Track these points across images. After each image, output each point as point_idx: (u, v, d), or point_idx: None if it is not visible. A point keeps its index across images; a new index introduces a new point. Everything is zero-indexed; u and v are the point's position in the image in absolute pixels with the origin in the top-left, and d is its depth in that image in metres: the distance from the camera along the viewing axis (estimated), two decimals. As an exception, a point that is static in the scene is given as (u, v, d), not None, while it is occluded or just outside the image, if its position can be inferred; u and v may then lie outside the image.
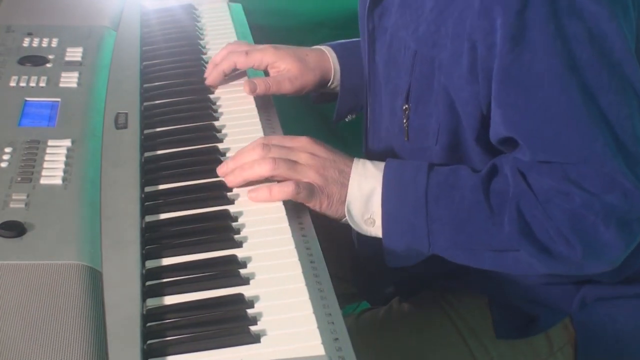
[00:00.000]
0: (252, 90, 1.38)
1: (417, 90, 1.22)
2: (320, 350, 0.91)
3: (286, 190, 1.15)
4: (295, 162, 1.18)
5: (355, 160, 1.20)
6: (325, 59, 1.45)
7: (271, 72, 1.43)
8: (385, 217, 1.17)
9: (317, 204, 1.18)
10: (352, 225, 1.20)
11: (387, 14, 1.28)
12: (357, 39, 1.48)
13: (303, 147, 1.21)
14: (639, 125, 1.11)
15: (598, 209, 1.10)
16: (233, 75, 1.47)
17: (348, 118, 1.53)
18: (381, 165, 1.19)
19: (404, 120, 1.25)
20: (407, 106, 1.24)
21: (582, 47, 1.08)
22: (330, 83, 1.46)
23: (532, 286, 1.29)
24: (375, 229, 1.19)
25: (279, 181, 1.18)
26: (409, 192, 1.16)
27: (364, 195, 1.18)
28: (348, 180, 1.18)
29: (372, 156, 1.26)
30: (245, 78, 1.46)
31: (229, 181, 1.18)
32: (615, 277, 1.26)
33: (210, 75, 1.43)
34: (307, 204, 1.18)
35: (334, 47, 1.47)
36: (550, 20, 1.07)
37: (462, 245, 1.16)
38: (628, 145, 1.10)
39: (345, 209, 1.19)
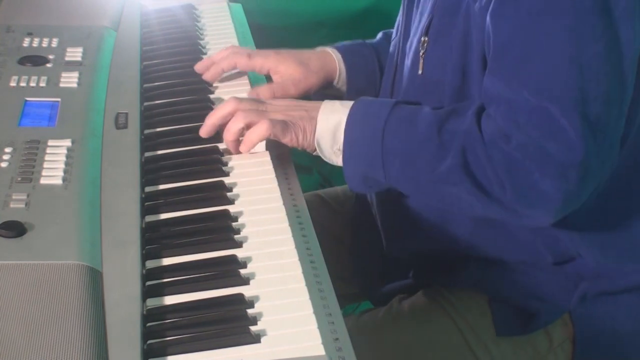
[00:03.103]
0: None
1: (438, 23, 1.25)
2: (320, 350, 0.91)
3: (260, 128, 1.22)
4: (264, 110, 1.26)
5: (326, 101, 1.25)
6: (330, 60, 1.45)
7: (274, 77, 1.43)
8: (346, 145, 1.21)
9: (294, 138, 1.24)
10: (323, 157, 1.25)
11: None
12: (359, 41, 1.49)
13: (271, 100, 1.30)
14: (612, 87, 1.10)
15: (534, 154, 1.10)
16: (233, 75, 1.47)
17: None
18: (350, 103, 1.24)
19: (421, 53, 1.27)
20: (425, 39, 1.27)
21: None
22: (335, 82, 1.46)
23: (532, 282, 1.29)
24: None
25: None
26: (370, 124, 1.20)
27: (331, 126, 1.23)
28: (317, 115, 1.23)
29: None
30: (246, 78, 1.46)
31: (202, 131, 1.27)
32: (616, 272, 1.26)
33: (209, 71, 1.44)
34: (283, 140, 1.24)
35: (338, 49, 1.47)
36: None
37: (411, 178, 1.19)
38: (592, 103, 1.09)
39: (315, 142, 1.23)
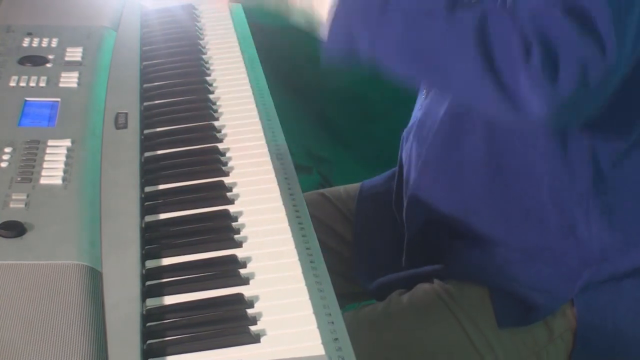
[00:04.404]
0: None
1: None
2: (320, 350, 0.91)
3: None
4: None
5: None
6: None
7: None
8: None
9: None
10: None
11: None
12: None
13: None
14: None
15: (566, 37, 1.03)
16: (233, 74, 1.47)
17: None
18: None
19: None
20: None
21: None
22: None
23: (533, 274, 1.29)
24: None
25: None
26: None
27: None
28: None
29: None
30: (246, 78, 1.46)
31: None
32: (619, 255, 1.28)
33: None
34: None
35: None
36: None
37: (414, 37, 1.09)
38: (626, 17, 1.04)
39: None
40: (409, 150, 1.43)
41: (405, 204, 1.42)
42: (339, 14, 1.12)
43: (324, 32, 1.14)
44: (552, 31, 1.04)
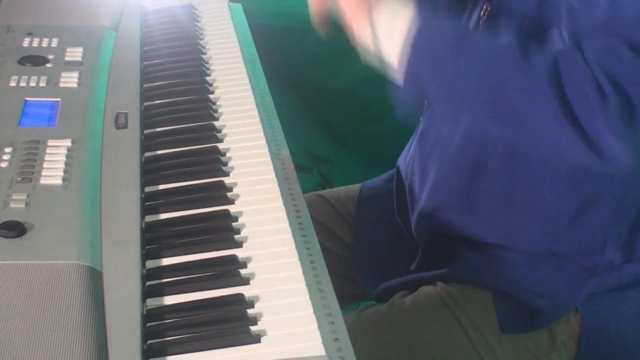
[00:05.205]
0: None
1: None
2: (321, 350, 0.91)
3: None
4: None
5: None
6: None
7: None
8: (415, 23, 1.09)
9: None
10: (373, 39, 1.13)
11: None
12: None
13: None
14: None
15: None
16: (233, 74, 1.47)
17: None
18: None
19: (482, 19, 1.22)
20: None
21: None
22: None
23: (537, 278, 1.29)
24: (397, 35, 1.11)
25: None
26: (447, 23, 1.12)
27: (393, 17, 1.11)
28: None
29: None
30: (246, 78, 1.46)
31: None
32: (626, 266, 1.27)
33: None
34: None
35: None
36: None
37: (488, 85, 1.07)
38: None
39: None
40: (411, 158, 1.42)
41: (413, 219, 1.41)
42: (411, 61, 1.09)
43: (395, 77, 1.12)
44: (622, 72, 1.02)
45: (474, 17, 1.26)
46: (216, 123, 1.33)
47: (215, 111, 1.37)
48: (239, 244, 1.08)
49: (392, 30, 1.10)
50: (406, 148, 1.48)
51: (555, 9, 1.12)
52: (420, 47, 1.08)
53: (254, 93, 1.42)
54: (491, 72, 1.06)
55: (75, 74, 1.38)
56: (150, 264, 1.05)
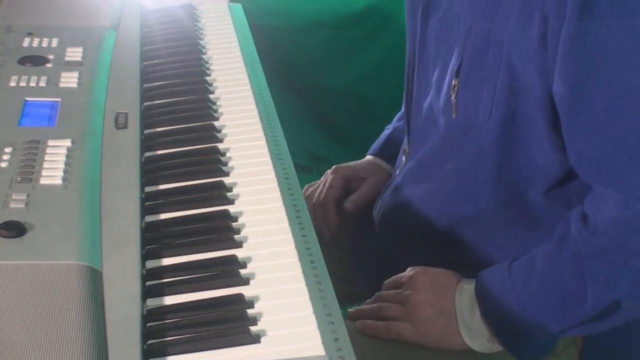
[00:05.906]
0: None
1: (468, 66, 1.22)
2: (320, 351, 0.91)
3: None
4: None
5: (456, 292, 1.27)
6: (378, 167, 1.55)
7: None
8: (499, 333, 1.24)
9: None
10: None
11: None
12: (386, 132, 1.57)
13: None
14: None
15: None
16: (233, 74, 1.47)
17: None
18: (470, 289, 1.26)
19: (452, 97, 1.24)
20: (455, 82, 1.23)
21: None
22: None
23: None
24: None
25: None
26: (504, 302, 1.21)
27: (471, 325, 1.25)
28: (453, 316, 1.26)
29: (416, 134, 1.30)
30: (246, 79, 1.46)
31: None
32: None
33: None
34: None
35: (377, 155, 1.57)
36: None
37: (572, 319, 1.20)
38: None
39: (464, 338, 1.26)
40: (383, 205, 1.43)
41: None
42: (515, 342, 1.24)
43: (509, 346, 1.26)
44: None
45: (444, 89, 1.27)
46: (216, 123, 1.33)
47: (215, 111, 1.37)
48: (239, 244, 1.08)
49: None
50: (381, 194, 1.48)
51: None
52: (501, 320, 1.22)
53: (254, 93, 1.42)
54: (560, 291, 1.18)
55: (75, 74, 1.38)
56: (150, 264, 1.05)
